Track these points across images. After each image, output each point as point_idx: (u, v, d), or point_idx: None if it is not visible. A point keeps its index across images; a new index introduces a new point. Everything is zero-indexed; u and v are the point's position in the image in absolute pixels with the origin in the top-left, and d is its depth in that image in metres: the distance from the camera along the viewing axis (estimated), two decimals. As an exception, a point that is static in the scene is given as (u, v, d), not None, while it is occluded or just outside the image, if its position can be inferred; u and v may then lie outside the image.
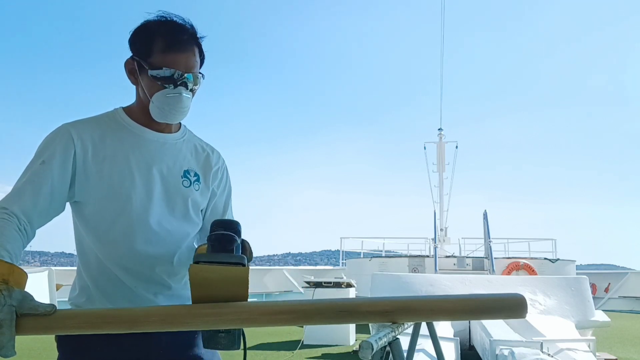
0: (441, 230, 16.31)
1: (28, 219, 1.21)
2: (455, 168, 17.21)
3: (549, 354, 3.93)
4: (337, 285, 7.81)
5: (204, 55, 1.36)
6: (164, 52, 1.27)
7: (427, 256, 13.68)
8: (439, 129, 17.34)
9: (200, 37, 1.34)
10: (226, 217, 1.46)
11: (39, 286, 9.85)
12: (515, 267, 12.75)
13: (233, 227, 1.07)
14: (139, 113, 1.36)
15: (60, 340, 1.35)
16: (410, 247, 16.11)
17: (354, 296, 8.14)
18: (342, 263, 16.82)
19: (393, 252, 16.84)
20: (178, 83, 1.28)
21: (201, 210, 1.43)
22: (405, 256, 14.33)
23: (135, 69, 1.32)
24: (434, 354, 2.86)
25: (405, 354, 1.13)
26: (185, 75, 1.28)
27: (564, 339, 4.58)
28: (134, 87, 1.36)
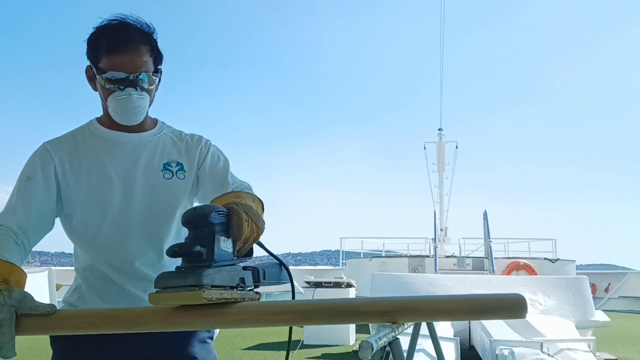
0: (441, 230, 16.32)
1: (24, 233, 1.25)
2: (455, 168, 17.23)
3: (549, 354, 3.93)
4: (337, 285, 7.81)
5: (157, 53, 1.35)
6: (107, 56, 1.27)
7: (427, 256, 13.68)
8: (439, 129, 17.35)
9: (151, 33, 1.34)
10: (229, 185, 1.40)
11: (39, 286, 9.85)
12: (515, 267, 12.75)
13: (201, 219, 0.99)
14: (108, 119, 1.37)
15: (54, 339, 1.36)
16: (410, 247, 16.12)
17: (354, 296, 8.14)
18: (342, 263, 16.82)
19: (393, 252, 16.84)
20: (125, 85, 1.28)
21: (194, 192, 1.43)
22: (405, 256, 14.33)
23: (93, 75, 1.33)
24: (434, 354, 2.86)
25: (405, 354, 1.13)
26: (135, 75, 1.27)
27: (564, 339, 4.58)
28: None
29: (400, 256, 14.82)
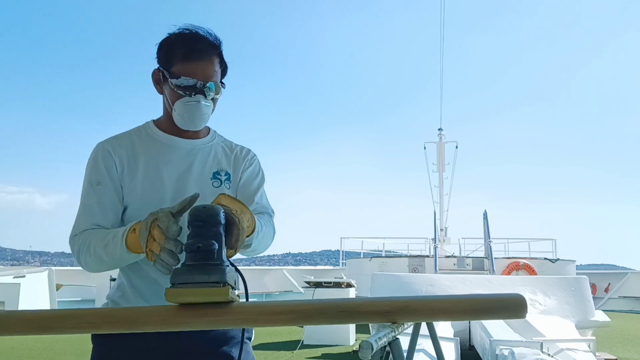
0: (441, 230, 16.31)
1: (111, 227, 1.34)
2: (455, 168, 17.22)
3: (549, 354, 3.93)
4: (337, 285, 7.81)
5: (225, 66, 1.41)
6: (182, 62, 1.33)
7: (427, 256, 13.68)
8: (439, 129, 17.35)
9: (219, 45, 1.39)
10: (254, 203, 1.43)
11: (39, 286, 9.86)
12: (515, 267, 12.75)
13: (212, 218, 1.00)
14: (167, 123, 1.42)
15: (94, 339, 1.36)
16: (410, 247, 16.12)
17: (354, 296, 8.15)
18: (342, 263, 16.83)
19: (393, 252, 16.84)
20: (196, 91, 1.33)
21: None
22: (405, 256, 14.33)
23: (160, 79, 1.39)
24: (434, 354, 2.86)
25: (405, 354, 1.13)
26: (204, 84, 1.33)
27: (564, 339, 4.58)
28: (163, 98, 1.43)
29: (400, 256, 14.82)
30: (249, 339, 1.43)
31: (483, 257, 13.07)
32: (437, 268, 12.00)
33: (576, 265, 14.60)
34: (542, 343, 4.11)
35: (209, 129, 1.50)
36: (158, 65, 1.39)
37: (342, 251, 16.93)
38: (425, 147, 17.34)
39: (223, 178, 1.43)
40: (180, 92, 1.33)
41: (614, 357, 6.03)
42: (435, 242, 14.40)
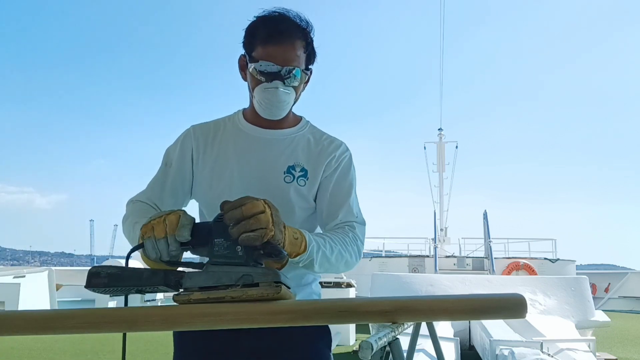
0: (441, 230, 16.34)
1: (159, 208, 1.32)
2: (455, 168, 17.25)
3: (549, 354, 3.94)
4: (337, 285, 7.82)
5: (312, 51, 1.32)
6: (262, 46, 1.25)
7: (427, 256, 13.71)
8: (439, 129, 17.38)
9: (306, 29, 1.30)
10: (341, 210, 1.31)
11: (39, 286, 9.87)
12: (515, 267, 12.77)
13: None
14: (251, 112, 1.36)
15: (176, 336, 1.33)
16: (410, 247, 16.14)
17: (354, 296, 8.15)
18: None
19: (393, 252, 16.87)
20: (274, 77, 1.25)
21: (314, 201, 1.35)
22: (405, 256, 14.36)
23: (244, 65, 1.32)
24: (434, 354, 2.87)
25: (405, 354, 1.13)
26: (283, 68, 1.25)
27: (564, 339, 4.58)
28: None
29: (400, 256, 14.85)
30: (329, 347, 1.34)
31: (483, 257, 13.09)
32: (437, 268, 12.02)
33: (576, 265, 14.62)
34: (542, 343, 4.11)
35: (301, 119, 1.41)
36: (244, 51, 1.32)
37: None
38: (425, 147, 17.39)
39: (297, 174, 1.32)
40: (258, 77, 1.26)
41: (614, 357, 6.03)
42: (435, 242, 14.42)
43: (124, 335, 1.08)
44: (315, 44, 1.34)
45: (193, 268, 0.97)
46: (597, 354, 5.04)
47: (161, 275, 0.96)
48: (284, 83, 1.26)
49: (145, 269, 0.96)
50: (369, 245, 16.33)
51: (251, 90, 1.31)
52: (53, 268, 10.77)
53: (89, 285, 0.97)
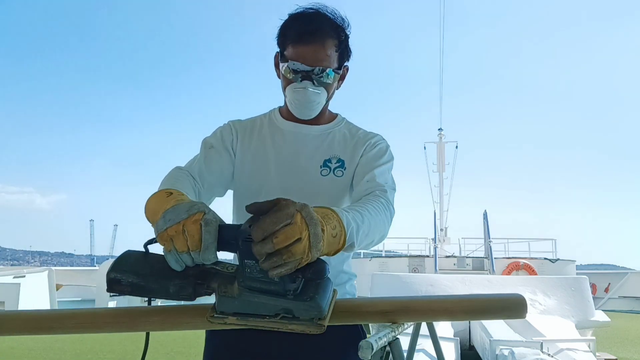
0: (441, 230, 16.34)
1: (202, 183, 1.27)
2: (455, 168, 17.25)
3: (549, 354, 3.94)
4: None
5: (344, 49, 1.30)
6: (292, 45, 1.25)
7: (427, 256, 13.71)
8: (439, 129, 17.39)
9: (343, 28, 1.29)
10: (368, 180, 1.25)
11: (39, 286, 9.87)
12: (515, 267, 12.77)
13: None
14: (286, 108, 1.36)
15: (207, 334, 1.32)
16: (410, 247, 16.14)
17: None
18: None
19: (393, 252, 16.87)
20: (304, 77, 1.25)
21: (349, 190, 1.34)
22: (405, 256, 14.36)
23: (278, 63, 1.32)
24: (434, 354, 2.87)
25: (405, 354, 1.13)
26: (313, 68, 1.24)
27: (564, 339, 4.58)
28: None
29: (400, 256, 14.85)
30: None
31: (483, 257, 13.09)
32: (437, 268, 12.02)
33: (576, 265, 14.62)
34: (542, 343, 4.11)
35: (337, 115, 1.42)
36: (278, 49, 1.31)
37: (342, 251, 16.91)
38: (425, 147, 17.39)
39: (334, 165, 1.31)
40: (288, 76, 1.26)
41: (614, 357, 6.03)
42: (435, 242, 14.42)
43: (147, 334, 1.03)
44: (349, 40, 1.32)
45: (227, 272, 0.87)
46: (597, 354, 5.04)
47: (190, 291, 0.86)
48: (314, 83, 1.25)
49: (173, 282, 0.86)
50: (369, 245, 16.32)
51: (283, 89, 1.31)
52: (53, 268, 10.77)
53: (111, 290, 0.89)
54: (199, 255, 0.82)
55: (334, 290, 0.89)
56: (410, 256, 14.14)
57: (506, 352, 3.95)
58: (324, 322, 0.82)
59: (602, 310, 6.15)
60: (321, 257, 0.81)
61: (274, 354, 1.26)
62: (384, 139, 1.38)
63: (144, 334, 1.02)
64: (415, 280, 6.11)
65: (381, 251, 16.14)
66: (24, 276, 9.78)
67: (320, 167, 1.31)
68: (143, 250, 0.90)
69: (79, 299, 14.71)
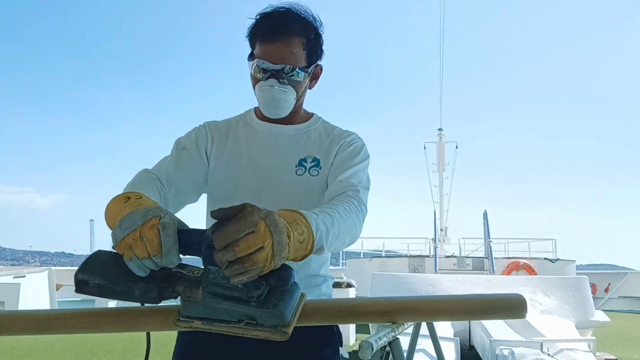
0: (441, 230, 16.33)
1: (169, 187, 1.24)
2: (455, 168, 17.24)
3: (549, 354, 3.94)
4: (337, 285, 7.81)
5: (313, 48, 1.29)
6: (259, 43, 1.25)
7: (427, 256, 13.70)
8: (439, 129, 17.37)
9: (313, 26, 1.28)
10: (341, 179, 1.23)
11: (39, 286, 9.86)
12: (515, 267, 12.76)
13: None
14: (259, 108, 1.35)
15: (179, 334, 1.32)
16: (410, 247, 16.14)
17: (354, 296, 8.15)
18: (342, 263, 16.83)
19: (393, 252, 16.87)
20: (269, 75, 1.24)
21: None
22: (405, 256, 14.35)
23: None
24: (434, 354, 2.87)
25: (405, 354, 1.13)
26: (277, 66, 1.23)
27: (564, 339, 4.58)
28: None
29: (400, 256, 14.84)
30: (337, 353, 1.30)
31: (483, 257, 13.08)
32: (437, 268, 12.01)
33: (576, 265, 14.62)
34: (542, 343, 4.11)
35: (312, 115, 1.41)
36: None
37: (342, 251, 16.93)
38: (425, 147, 17.37)
39: (309, 165, 1.30)
40: (257, 75, 1.26)
41: (614, 357, 6.03)
42: (435, 242, 14.41)
43: (148, 334, 1.01)
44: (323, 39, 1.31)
45: (193, 276, 0.87)
46: (597, 354, 5.04)
47: (155, 294, 0.87)
48: (279, 81, 1.24)
49: (138, 285, 0.86)
50: (369, 245, 16.33)
51: (253, 88, 1.30)
52: (53, 268, 10.76)
53: (79, 291, 0.90)
54: (161, 259, 0.81)
55: (302, 295, 0.89)
56: (410, 256, 14.12)
57: (506, 352, 3.94)
58: (287, 329, 0.82)
59: (602, 310, 6.14)
60: (286, 264, 0.81)
61: (245, 353, 1.25)
62: (359, 138, 1.37)
63: (144, 333, 1.01)
64: (415, 280, 6.11)
65: (381, 251, 16.14)
66: (24, 276, 9.77)
67: (296, 167, 1.30)
68: (113, 250, 0.89)
69: (79, 299, 14.67)
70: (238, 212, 0.77)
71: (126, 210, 0.86)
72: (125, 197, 0.93)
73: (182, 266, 0.87)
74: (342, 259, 16.97)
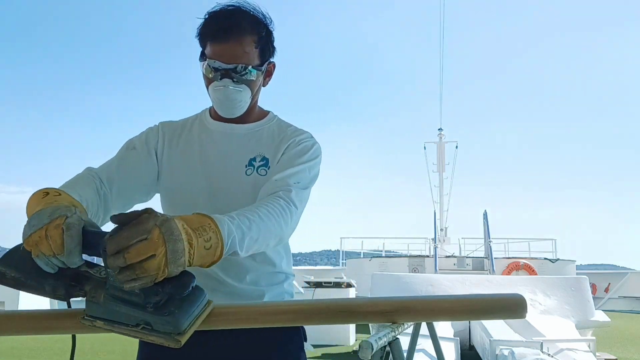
0: (441, 230, 16.33)
1: (110, 186, 1.22)
2: (455, 168, 17.24)
3: (549, 354, 3.94)
4: (337, 285, 7.82)
5: (266, 46, 1.28)
6: (210, 43, 1.24)
7: (427, 256, 13.70)
8: (439, 129, 17.37)
9: (263, 24, 1.27)
10: (277, 178, 1.20)
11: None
12: (515, 267, 12.76)
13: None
14: (213, 108, 1.35)
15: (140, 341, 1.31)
16: (410, 247, 16.14)
17: (354, 296, 8.16)
18: (342, 263, 16.83)
19: (393, 252, 16.86)
20: (222, 75, 1.23)
21: None
22: (405, 256, 14.36)
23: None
24: (434, 354, 2.87)
25: (405, 354, 1.13)
26: (230, 66, 1.22)
27: (564, 339, 4.58)
28: None
29: (400, 256, 14.84)
30: (301, 348, 1.32)
31: (483, 257, 13.08)
32: (437, 268, 12.01)
33: (576, 265, 14.62)
34: (542, 343, 4.11)
35: (268, 113, 1.39)
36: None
37: (342, 251, 16.93)
38: (425, 147, 17.37)
39: (257, 164, 1.29)
40: (209, 75, 1.25)
41: (614, 357, 6.03)
42: (435, 242, 14.41)
43: (74, 336, 1.03)
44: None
45: (99, 277, 0.87)
46: (597, 354, 5.04)
47: (63, 292, 0.88)
48: (234, 81, 1.23)
49: (48, 281, 0.88)
50: (368, 245, 16.32)
51: (206, 88, 1.29)
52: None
53: None
54: (64, 259, 0.83)
55: (208, 302, 0.89)
56: (410, 256, 14.13)
57: (506, 352, 3.94)
58: (181, 338, 0.82)
59: (602, 310, 6.15)
60: (187, 270, 0.81)
61: (211, 354, 1.25)
62: (311, 137, 1.34)
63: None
64: (415, 280, 6.11)
65: (381, 251, 16.14)
66: (24, 276, 9.76)
67: (245, 167, 1.29)
68: None
69: (79, 299, 14.70)
70: (135, 218, 0.77)
71: (38, 207, 0.88)
72: (44, 193, 0.94)
73: (91, 265, 0.89)
74: (342, 259, 16.96)
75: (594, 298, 6.27)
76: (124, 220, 0.77)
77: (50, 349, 6.76)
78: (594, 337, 5.08)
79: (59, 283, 0.88)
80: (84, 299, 0.90)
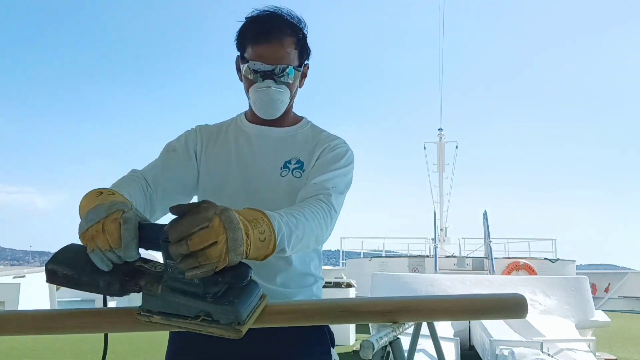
0: (441, 230, 16.32)
1: (155, 188, 1.25)
2: (455, 168, 17.23)
3: (549, 354, 3.94)
4: (337, 285, 7.81)
5: (303, 48, 1.32)
6: (251, 45, 1.27)
7: (427, 256, 13.69)
8: (439, 129, 17.37)
9: (299, 27, 1.31)
10: (315, 182, 1.23)
11: (39, 286, 9.87)
12: (515, 267, 12.75)
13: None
14: (251, 111, 1.37)
15: (170, 335, 1.32)
16: (410, 247, 16.13)
17: (354, 296, 8.16)
18: (342, 263, 16.83)
19: (393, 252, 16.85)
20: (265, 76, 1.26)
21: None
22: (405, 256, 14.34)
23: (239, 66, 1.33)
24: (434, 353, 2.87)
25: (405, 354, 1.13)
26: (275, 67, 1.26)
27: (564, 339, 4.58)
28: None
29: (400, 256, 14.83)
30: (328, 353, 1.35)
31: (483, 257, 13.07)
32: (437, 268, 12.00)
33: (576, 265, 14.61)
34: (542, 343, 4.11)
35: (302, 118, 1.42)
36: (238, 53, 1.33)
37: (342, 251, 16.93)
38: (425, 147, 17.37)
39: (293, 167, 1.32)
40: (250, 77, 1.28)
41: (614, 357, 6.03)
42: (435, 242, 14.41)
43: (106, 336, 1.03)
44: (311, 42, 1.34)
45: (154, 271, 0.88)
46: (597, 354, 5.04)
47: (117, 287, 0.89)
48: (276, 82, 1.27)
49: (103, 278, 0.88)
50: (369, 245, 16.32)
51: (246, 91, 1.32)
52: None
53: (49, 281, 0.93)
54: (121, 252, 0.84)
55: (263, 296, 0.90)
56: (410, 256, 14.12)
57: (506, 352, 3.95)
58: (241, 328, 0.82)
59: (602, 310, 6.15)
60: (244, 262, 0.83)
61: (236, 351, 1.25)
62: (345, 144, 1.37)
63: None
64: (415, 280, 6.11)
65: (381, 251, 16.14)
66: (24, 276, 9.78)
67: (281, 169, 1.32)
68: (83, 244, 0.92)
69: (79, 299, 14.68)
70: (195, 208, 0.79)
71: (94, 204, 0.90)
72: (98, 192, 0.96)
73: (146, 261, 0.90)
74: (342, 259, 16.96)
75: (594, 298, 6.27)
76: (185, 210, 0.79)
77: (50, 349, 6.76)
78: (594, 337, 5.08)
79: (114, 279, 0.88)
80: (81, 299, 0.90)
